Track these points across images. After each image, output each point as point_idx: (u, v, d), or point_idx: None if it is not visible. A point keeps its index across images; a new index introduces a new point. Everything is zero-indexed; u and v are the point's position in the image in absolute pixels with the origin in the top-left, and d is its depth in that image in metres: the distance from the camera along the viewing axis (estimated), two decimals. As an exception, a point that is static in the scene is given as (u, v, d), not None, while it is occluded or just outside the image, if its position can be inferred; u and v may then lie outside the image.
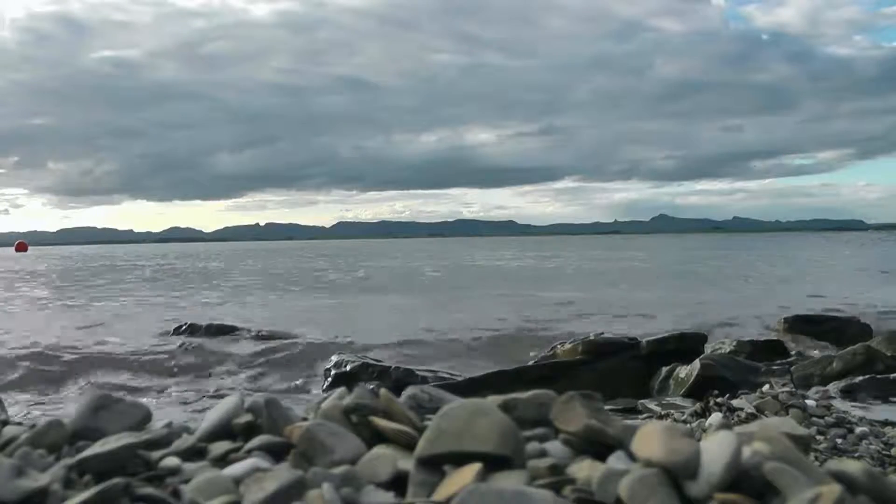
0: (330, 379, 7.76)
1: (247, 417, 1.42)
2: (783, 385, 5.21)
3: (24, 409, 6.66)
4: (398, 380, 7.16)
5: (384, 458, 1.23)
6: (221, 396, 6.47)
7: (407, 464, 1.21)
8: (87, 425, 1.41)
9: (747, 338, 8.60)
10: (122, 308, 15.91)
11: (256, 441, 1.34)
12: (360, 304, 16.26)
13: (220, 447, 1.35)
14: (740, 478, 1.05)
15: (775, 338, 9.03)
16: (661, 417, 4.87)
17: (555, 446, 1.26)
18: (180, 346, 10.18)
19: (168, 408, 6.61)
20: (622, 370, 6.80)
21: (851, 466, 1.10)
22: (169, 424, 1.45)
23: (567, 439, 1.27)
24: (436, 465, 1.19)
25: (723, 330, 10.52)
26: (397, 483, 1.19)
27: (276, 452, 1.32)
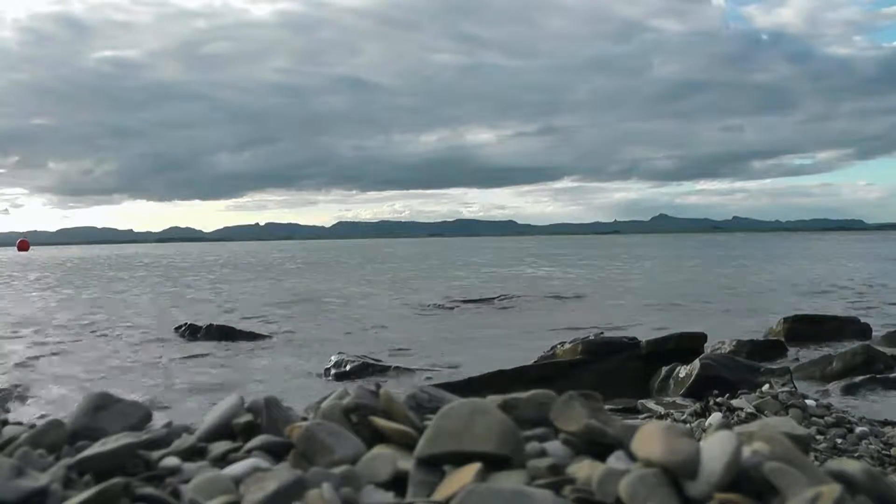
0: (330, 378, 7.76)
1: (246, 417, 1.42)
2: (783, 385, 5.21)
3: (24, 409, 6.66)
4: (398, 379, 7.16)
5: (384, 458, 1.23)
6: (221, 396, 6.47)
7: (407, 464, 1.21)
8: (87, 425, 1.41)
9: (747, 338, 8.60)
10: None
11: (256, 441, 1.34)
12: (362, 302, 16.26)
13: (219, 447, 1.35)
14: (740, 478, 1.05)
15: (775, 338, 9.03)
16: (660, 417, 4.87)
17: (555, 446, 1.26)
18: (180, 346, 10.19)
19: (168, 407, 6.61)
20: (622, 370, 6.79)
21: (851, 466, 1.10)
22: (169, 424, 1.45)
23: (567, 439, 1.27)
24: (436, 465, 1.19)
25: (723, 330, 10.53)
26: (397, 483, 1.19)
27: (276, 452, 1.32)
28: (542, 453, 1.23)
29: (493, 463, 1.17)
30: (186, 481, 1.20)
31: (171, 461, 1.28)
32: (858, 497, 1.04)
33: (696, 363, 6.30)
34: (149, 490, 1.16)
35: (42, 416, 5.40)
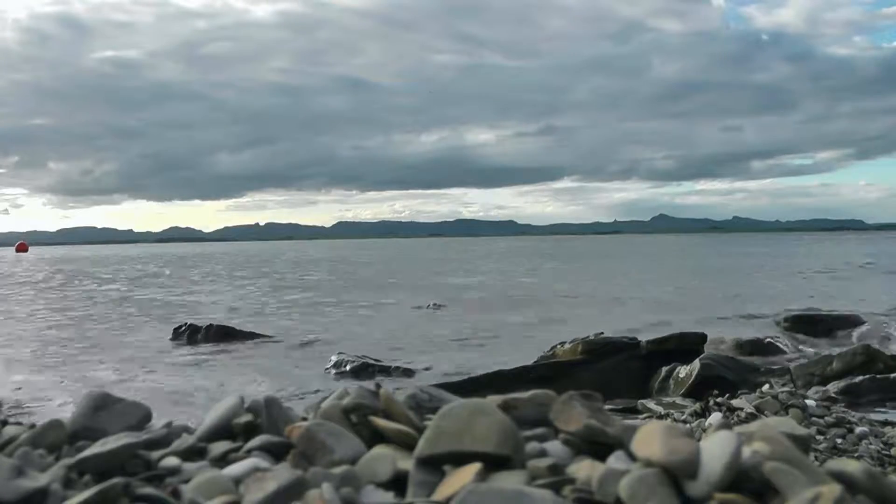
0: (330, 378, 7.76)
1: (247, 417, 1.42)
2: (783, 385, 5.21)
3: (24, 409, 6.65)
4: (398, 379, 7.16)
5: (384, 458, 1.23)
6: (221, 396, 6.47)
7: (407, 464, 1.21)
8: (87, 425, 1.41)
9: (747, 338, 8.59)
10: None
11: (256, 441, 1.34)
12: (362, 302, 16.25)
13: (219, 447, 1.35)
14: (740, 478, 1.05)
15: (775, 338, 9.03)
16: (661, 417, 4.87)
17: (555, 446, 1.26)
18: (180, 346, 10.19)
19: (168, 408, 6.60)
20: (622, 370, 6.79)
21: (851, 466, 1.10)
22: (169, 424, 1.45)
23: (567, 439, 1.27)
24: (436, 465, 1.19)
25: (723, 329, 10.53)
26: (397, 483, 1.19)
27: (276, 452, 1.31)
28: (542, 453, 1.23)
29: (493, 463, 1.16)
30: (186, 481, 1.20)
31: (171, 461, 1.28)
32: (858, 497, 1.04)
33: (696, 363, 6.30)
34: (149, 490, 1.16)
35: (42, 416, 5.40)
